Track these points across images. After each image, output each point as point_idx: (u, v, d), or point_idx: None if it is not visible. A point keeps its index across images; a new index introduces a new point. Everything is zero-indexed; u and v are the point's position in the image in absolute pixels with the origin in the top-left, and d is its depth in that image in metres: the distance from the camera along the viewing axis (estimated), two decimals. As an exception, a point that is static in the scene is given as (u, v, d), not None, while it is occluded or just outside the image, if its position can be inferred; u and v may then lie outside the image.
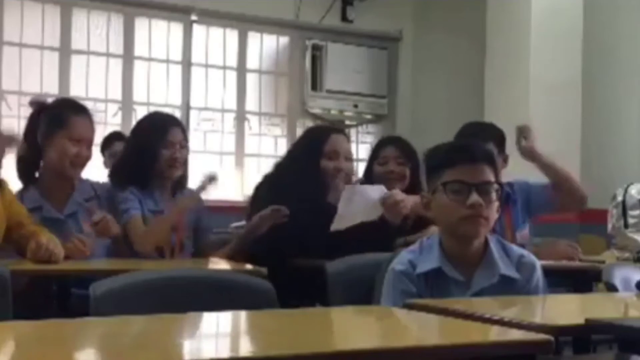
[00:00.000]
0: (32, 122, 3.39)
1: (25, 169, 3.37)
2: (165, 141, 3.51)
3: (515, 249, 2.58)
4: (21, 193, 3.34)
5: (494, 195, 2.47)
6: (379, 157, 3.95)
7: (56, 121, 3.32)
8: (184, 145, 3.58)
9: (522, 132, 3.83)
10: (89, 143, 3.40)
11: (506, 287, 2.47)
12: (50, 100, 3.59)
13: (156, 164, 3.51)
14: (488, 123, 3.96)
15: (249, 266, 3.08)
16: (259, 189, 3.75)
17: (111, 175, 3.65)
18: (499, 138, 3.81)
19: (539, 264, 2.57)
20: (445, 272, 2.47)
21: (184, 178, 3.63)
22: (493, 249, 2.50)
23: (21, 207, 3.17)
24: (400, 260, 2.53)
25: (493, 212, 2.48)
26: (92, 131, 3.44)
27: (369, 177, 3.94)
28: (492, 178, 2.49)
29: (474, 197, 2.43)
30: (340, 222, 3.45)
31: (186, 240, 3.55)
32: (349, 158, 3.70)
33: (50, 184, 3.36)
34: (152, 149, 3.50)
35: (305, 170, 3.60)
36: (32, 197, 3.32)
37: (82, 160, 3.37)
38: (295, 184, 3.56)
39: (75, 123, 3.34)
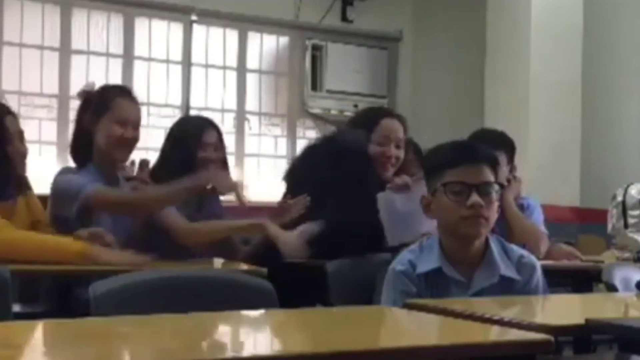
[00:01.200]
0: (82, 111, 3.40)
1: (78, 158, 3.37)
2: (200, 143, 3.49)
3: (516, 249, 2.59)
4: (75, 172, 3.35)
5: (494, 196, 2.48)
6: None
7: (101, 105, 3.33)
8: (219, 147, 3.56)
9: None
10: (135, 124, 3.38)
11: (506, 287, 2.48)
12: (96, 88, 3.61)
13: (193, 167, 3.48)
14: (500, 131, 3.94)
15: (249, 266, 3.08)
16: (298, 167, 3.56)
17: (151, 180, 3.64)
18: (510, 147, 3.79)
19: (539, 264, 2.58)
20: (445, 272, 2.48)
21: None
22: (493, 249, 2.51)
23: (43, 210, 3.18)
24: (400, 260, 2.53)
25: (493, 213, 2.49)
26: (137, 113, 3.43)
27: None
28: (492, 178, 2.49)
29: (474, 198, 2.43)
30: (401, 235, 3.20)
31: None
32: (400, 146, 3.52)
33: (103, 169, 3.36)
34: (188, 151, 3.48)
35: (352, 154, 3.40)
36: (89, 175, 3.30)
37: (128, 141, 3.36)
38: (343, 169, 3.35)
39: (119, 105, 3.34)
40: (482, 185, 2.46)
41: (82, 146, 3.35)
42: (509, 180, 3.71)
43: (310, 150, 3.60)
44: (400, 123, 3.56)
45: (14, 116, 3.17)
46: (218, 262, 3.36)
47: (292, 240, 3.23)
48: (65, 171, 3.30)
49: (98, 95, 3.39)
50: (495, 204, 2.49)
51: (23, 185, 3.15)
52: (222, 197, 3.68)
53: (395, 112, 3.63)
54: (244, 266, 3.10)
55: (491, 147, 3.56)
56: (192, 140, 3.49)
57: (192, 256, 3.36)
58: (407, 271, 2.48)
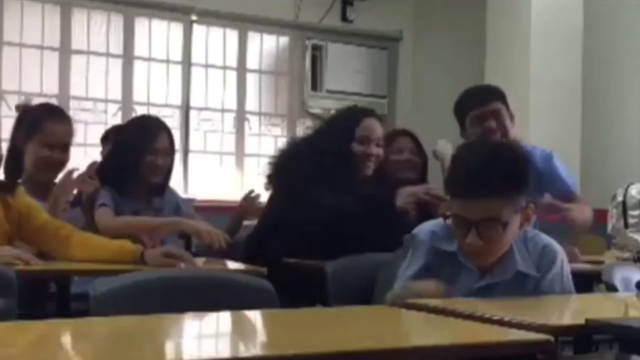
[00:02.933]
0: (16, 128, 3.44)
1: (9, 172, 3.36)
2: (151, 147, 3.52)
3: (540, 239, 2.51)
4: None
5: (499, 230, 2.36)
6: (393, 147, 3.96)
7: (31, 126, 3.36)
8: (169, 152, 3.59)
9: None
10: (64, 147, 3.43)
11: (520, 282, 2.45)
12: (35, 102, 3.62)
13: (139, 169, 3.51)
14: (487, 85, 3.92)
15: (249, 266, 3.08)
16: (280, 164, 3.60)
17: (96, 173, 3.65)
18: (504, 96, 3.77)
19: (561, 256, 2.50)
20: (459, 258, 2.46)
21: (161, 185, 3.61)
22: (512, 245, 2.45)
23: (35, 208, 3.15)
24: (423, 229, 2.55)
25: (500, 244, 2.40)
26: (68, 135, 3.47)
27: (382, 166, 3.97)
28: (498, 212, 2.34)
29: (472, 237, 2.36)
30: None
31: (169, 238, 3.55)
32: (380, 144, 3.61)
33: (33, 188, 3.34)
34: (137, 153, 3.51)
35: (336, 152, 3.49)
36: None
37: (55, 164, 3.38)
38: (327, 165, 3.44)
39: (49, 128, 3.38)
40: (484, 221, 2.35)
41: (13, 164, 3.35)
42: None
43: (292, 147, 3.67)
44: (379, 122, 3.65)
45: None
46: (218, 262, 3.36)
47: (211, 228, 3.30)
48: None
49: (28, 115, 3.42)
50: (503, 236, 2.37)
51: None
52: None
53: (374, 112, 3.77)
54: (244, 266, 3.10)
55: (494, 99, 3.57)
56: (143, 144, 3.52)
57: None
58: (427, 241, 2.49)
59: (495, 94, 3.72)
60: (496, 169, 2.36)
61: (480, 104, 3.65)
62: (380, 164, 3.61)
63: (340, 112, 3.85)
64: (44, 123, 3.38)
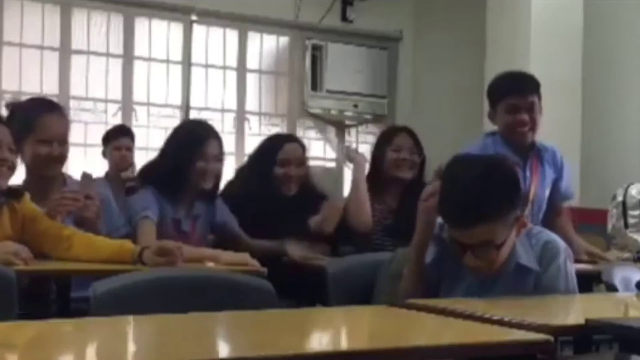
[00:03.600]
0: (8, 125, 3.38)
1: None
2: (201, 153, 3.50)
3: (542, 235, 2.52)
4: None
5: (495, 251, 2.37)
6: (392, 144, 4.00)
7: (25, 125, 3.26)
8: (219, 158, 3.58)
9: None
10: (62, 140, 3.34)
11: (522, 276, 2.46)
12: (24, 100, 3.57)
13: (189, 175, 3.49)
14: (528, 75, 3.89)
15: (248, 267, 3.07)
16: (226, 191, 3.85)
17: (140, 176, 3.65)
18: (539, 89, 3.75)
19: (564, 253, 2.50)
20: None
21: (212, 191, 3.61)
22: (516, 242, 2.46)
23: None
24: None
25: (497, 260, 2.41)
26: (64, 127, 3.38)
27: (380, 161, 4.02)
28: (492, 236, 2.35)
29: (468, 258, 2.39)
30: None
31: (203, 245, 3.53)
32: (300, 165, 3.91)
33: (36, 187, 3.31)
34: (187, 158, 3.48)
35: (258, 175, 3.87)
36: None
37: (56, 158, 3.34)
38: (249, 188, 3.83)
39: (43, 123, 3.30)
40: (478, 245, 2.36)
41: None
42: None
43: (236, 173, 4.16)
44: (299, 146, 4.00)
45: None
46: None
47: (248, 257, 3.25)
48: None
49: (22, 112, 3.34)
50: (500, 253, 2.39)
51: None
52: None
53: (295, 138, 4.26)
54: (244, 266, 3.10)
55: (532, 91, 3.62)
56: (194, 149, 3.50)
57: None
58: (434, 233, 2.51)
59: (534, 86, 3.71)
60: (487, 197, 2.33)
61: (519, 94, 3.64)
62: (303, 181, 3.92)
63: (266, 139, 4.18)
64: (38, 119, 3.30)
